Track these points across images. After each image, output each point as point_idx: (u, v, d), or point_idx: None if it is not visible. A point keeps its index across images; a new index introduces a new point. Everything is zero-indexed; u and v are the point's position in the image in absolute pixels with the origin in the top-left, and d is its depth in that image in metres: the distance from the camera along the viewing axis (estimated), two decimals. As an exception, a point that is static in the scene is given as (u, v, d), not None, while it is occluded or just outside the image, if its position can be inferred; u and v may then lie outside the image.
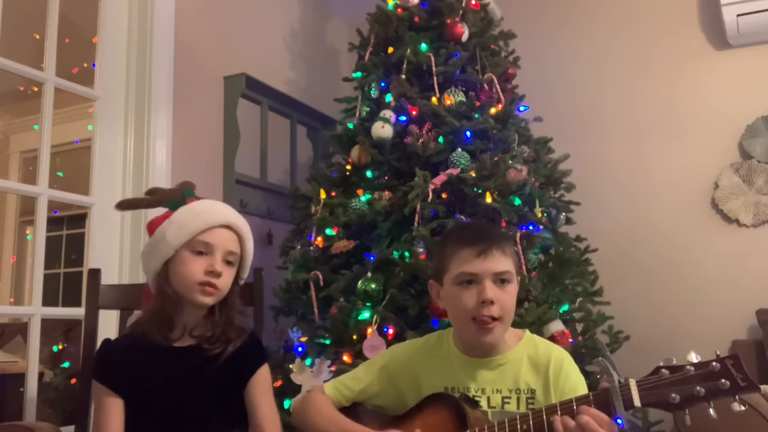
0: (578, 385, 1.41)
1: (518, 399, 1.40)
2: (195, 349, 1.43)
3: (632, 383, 1.19)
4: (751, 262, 2.96)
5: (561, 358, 1.44)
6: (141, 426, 1.40)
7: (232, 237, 1.46)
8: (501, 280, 1.39)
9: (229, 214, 1.48)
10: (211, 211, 1.46)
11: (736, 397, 1.13)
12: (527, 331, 1.52)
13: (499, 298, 1.37)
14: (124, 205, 1.60)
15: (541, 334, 2.08)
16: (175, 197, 1.49)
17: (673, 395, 1.15)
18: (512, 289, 1.42)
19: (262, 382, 1.48)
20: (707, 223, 3.07)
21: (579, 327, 2.30)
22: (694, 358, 1.18)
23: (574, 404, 1.23)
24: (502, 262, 1.40)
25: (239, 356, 1.45)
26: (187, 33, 2.71)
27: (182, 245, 1.42)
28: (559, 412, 1.24)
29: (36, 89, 3.56)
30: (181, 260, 1.42)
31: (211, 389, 1.43)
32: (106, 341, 1.51)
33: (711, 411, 1.14)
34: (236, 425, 1.45)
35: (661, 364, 1.19)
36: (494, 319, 1.37)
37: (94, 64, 2.50)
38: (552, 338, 2.09)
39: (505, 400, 1.41)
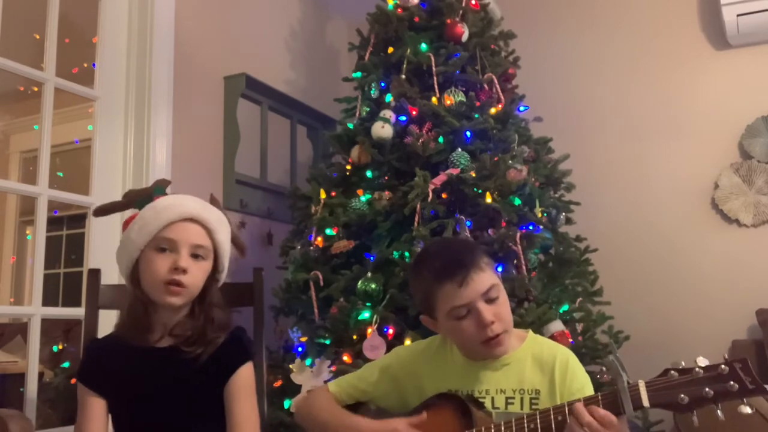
0: (585, 385, 1.41)
1: (522, 399, 1.40)
2: (175, 350, 1.39)
3: (641, 384, 1.20)
4: (751, 262, 2.96)
5: (566, 358, 1.44)
6: (123, 427, 1.39)
7: (198, 230, 1.40)
8: (490, 299, 1.38)
9: (192, 206, 1.41)
10: (173, 206, 1.40)
11: (744, 399, 1.15)
12: (530, 331, 1.52)
13: (497, 314, 1.37)
14: (100, 212, 1.55)
15: (540, 334, 2.08)
16: (145, 196, 1.46)
17: (682, 396, 1.16)
18: (503, 299, 1.41)
19: (240, 382, 1.41)
20: (707, 223, 3.07)
21: (579, 327, 2.30)
22: (702, 362, 1.19)
23: (582, 404, 1.23)
24: (483, 279, 1.38)
25: (220, 355, 1.40)
26: (187, 33, 2.71)
27: (146, 244, 1.38)
28: (567, 412, 1.24)
29: (36, 89, 3.55)
30: (147, 259, 1.38)
31: (192, 391, 1.39)
32: (91, 341, 1.51)
33: (719, 412, 1.15)
34: (220, 426, 1.41)
35: (670, 366, 1.20)
36: (499, 334, 1.38)
37: (94, 64, 2.50)
38: (552, 338, 2.09)
39: (509, 400, 1.41)
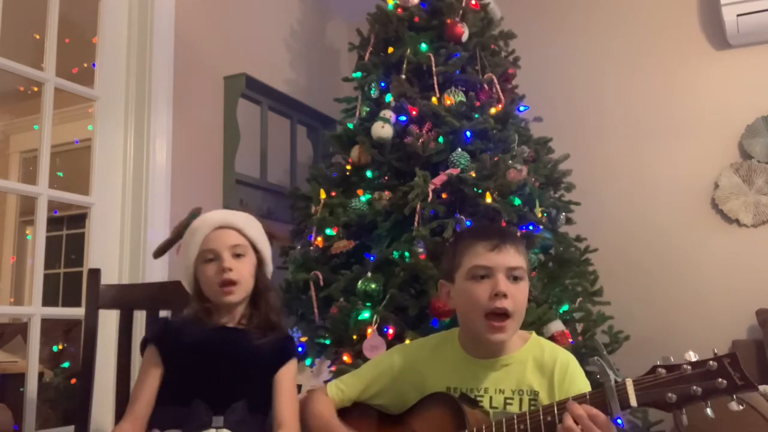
0: (583, 390, 1.39)
1: (521, 400, 1.40)
2: (242, 331, 1.58)
3: (629, 383, 1.19)
4: (751, 262, 2.96)
5: (567, 362, 1.43)
6: (181, 386, 1.51)
7: (231, 233, 1.58)
8: (514, 276, 1.39)
9: (219, 216, 1.62)
10: (204, 221, 1.60)
11: (734, 396, 1.13)
12: (533, 333, 1.52)
13: (512, 293, 1.37)
14: (159, 252, 1.70)
15: (541, 334, 2.08)
16: (185, 225, 1.65)
17: (670, 395, 1.14)
18: (524, 287, 1.42)
19: (287, 372, 1.58)
20: (707, 223, 3.07)
21: (579, 327, 2.30)
22: (692, 357, 1.17)
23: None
24: (515, 257, 1.40)
25: (275, 346, 1.58)
26: (187, 33, 2.71)
27: (195, 261, 1.58)
28: (555, 412, 1.23)
29: (36, 89, 3.55)
30: (200, 273, 1.58)
31: (246, 366, 1.54)
32: (162, 318, 1.77)
33: (708, 411, 1.13)
34: (263, 410, 1.53)
35: (658, 363, 1.18)
36: (507, 315, 1.36)
37: (94, 64, 2.50)
38: (552, 338, 2.09)
39: (508, 401, 1.41)
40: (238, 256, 1.57)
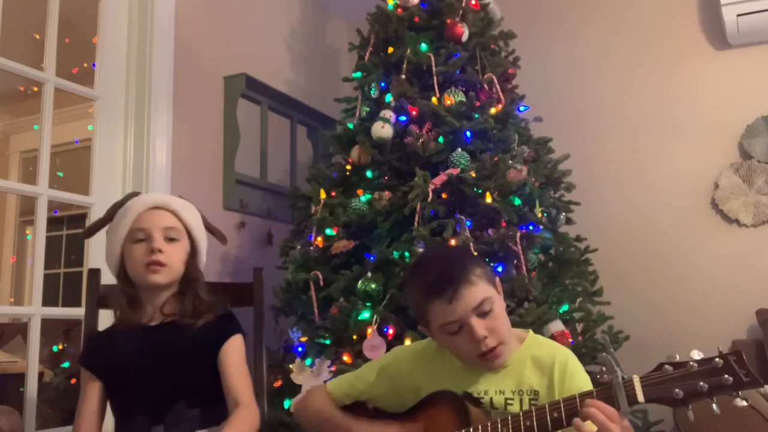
0: (584, 386, 1.39)
1: (521, 401, 1.40)
2: (168, 325, 1.52)
3: (636, 379, 1.19)
4: (751, 262, 2.96)
5: (566, 359, 1.43)
6: (119, 401, 1.49)
7: (165, 214, 1.54)
8: (482, 312, 1.36)
9: (155, 196, 1.59)
10: (137, 201, 1.56)
11: (739, 392, 1.14)
12: (530, 332, 1.51)
13: (490, 328, 1.36)
14: (89, 232, 1.67)
15: (541, 334, 2.08)
16: (119, 205, 1.59)
17: (677, 390, 1.15)
18: (498, 311, 1.39)
19: (231, 350, 1.52)
20: (707, 223, 3.07)
21: (579, 327, 2.30)
22: (696, 355, 1.18)
23: (578, 400, 1.23)
24: (474, 294, 1.35)
25: (212, 327, 1.52)
26: (187, 33, 2.71)
27: (124, 240, 1.53)
28: (562, 408, 1.23)
29: (36, 89, 3.56)
30: (127, 253, 1.53)
31: (184, 359, 1.49)
32: (92, 332, 1.64)
33: (714, 406, 1.14)
34: (206, 403, 1.48)
35: (665, 360, 1.20)
36: (495, 347, 1.37)
37: (94, 64, 2.50)
38: (552, 338, 2.09)
39: (508, 401, 1.40)
40: (171, 240, 1.52)
